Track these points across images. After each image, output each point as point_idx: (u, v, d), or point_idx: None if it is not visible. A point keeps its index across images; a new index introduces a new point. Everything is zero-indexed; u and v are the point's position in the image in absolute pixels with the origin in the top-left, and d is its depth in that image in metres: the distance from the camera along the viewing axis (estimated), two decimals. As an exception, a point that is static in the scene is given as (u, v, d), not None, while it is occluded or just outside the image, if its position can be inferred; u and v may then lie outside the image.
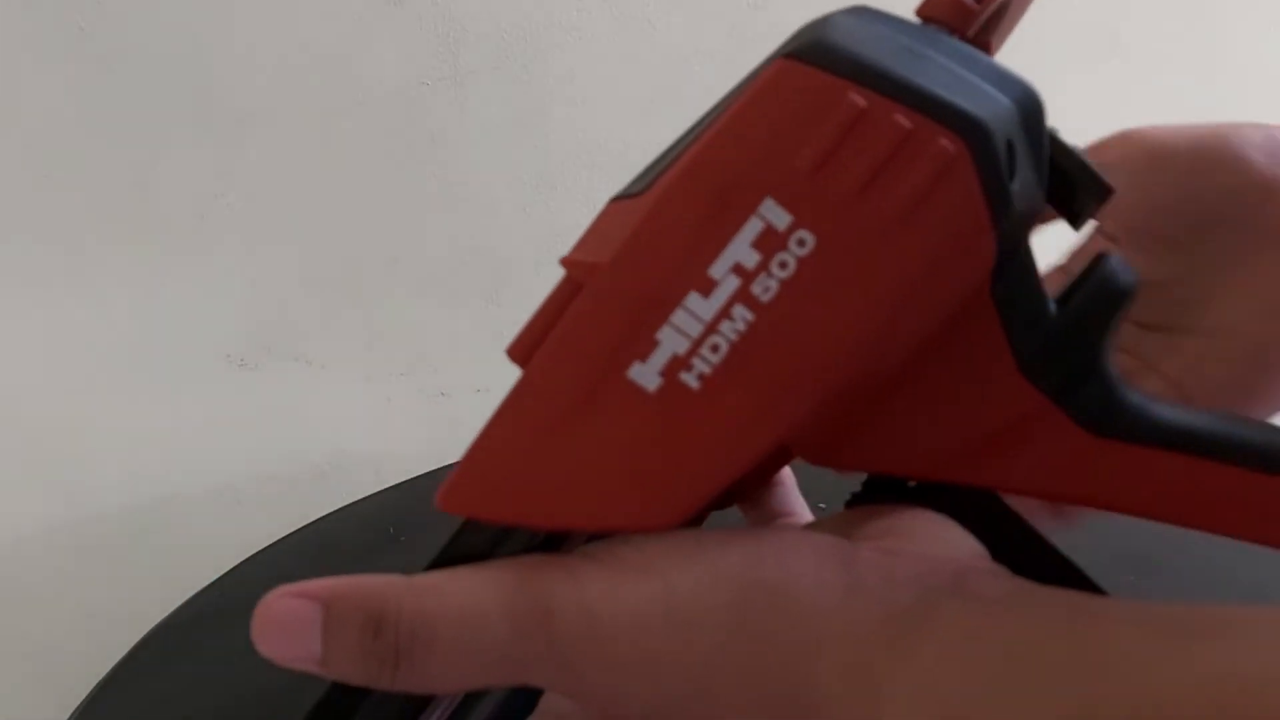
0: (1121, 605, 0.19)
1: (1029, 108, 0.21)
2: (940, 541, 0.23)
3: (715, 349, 0.21)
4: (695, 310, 0.21)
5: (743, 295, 0.21)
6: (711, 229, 0.21)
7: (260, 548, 0.66)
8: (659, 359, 0.21)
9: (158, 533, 0.80)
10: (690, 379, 0.21)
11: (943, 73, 0.21)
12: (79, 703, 0.54)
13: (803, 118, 0.20)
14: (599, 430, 0.21)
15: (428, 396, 0.84)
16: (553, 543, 0.23)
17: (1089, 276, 0.23)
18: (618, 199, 0.23)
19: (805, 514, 0.29)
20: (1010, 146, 0.21)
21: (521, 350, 0.23)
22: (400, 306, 0.81)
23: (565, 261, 0.23)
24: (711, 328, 0.21)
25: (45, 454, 0.76)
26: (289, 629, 0.21)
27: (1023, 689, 0.18)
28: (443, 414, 0.85)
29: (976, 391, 0.23)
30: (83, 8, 0.66)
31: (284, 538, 0.67)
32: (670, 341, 0.21)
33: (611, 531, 0.22)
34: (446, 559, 0.23)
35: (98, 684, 0.55)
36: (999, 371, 0.22)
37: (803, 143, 0.20)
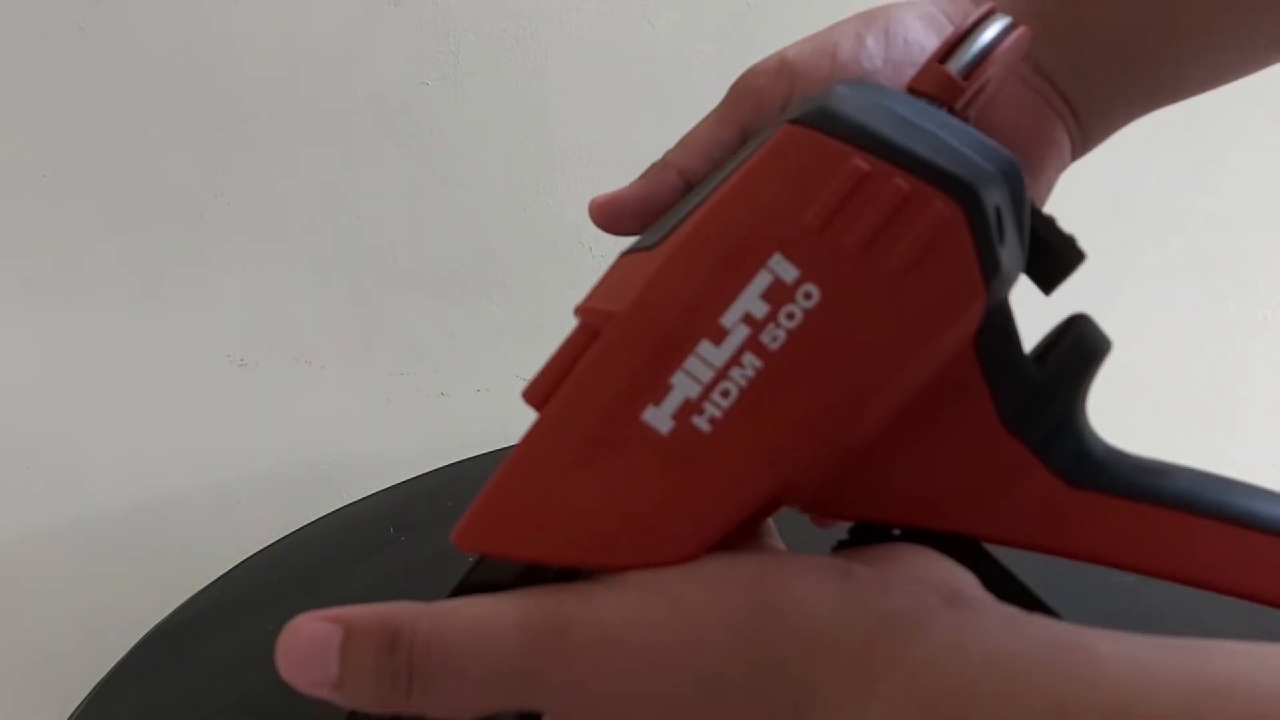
0: (1103, 631, 0.20)
1: (1012, 177, 0.23)
2: (932, 567, 0.24)
3: (726, 394, 0.22)
4: (707, 357, 0.22)
5: (752, 344, 0.22)
6: (723, 280, 0.22)
7: (260, 548, 0.66)
8: (672, 402, 0.23)
9: (157, 533, 0.80)
10: (701, 422, 0.22)
11: (936, 141, 0.22)
12: (78, 703, 0.54)
13: (810, 179, 0.22)
14: (613, 471, 0.23)
15: (428, 396, 0.84)
16: (566, 578, 0.24)
17: (1064, 338, 0.25)
18: (629, 253, 0.25)
19: None
20: (998, 212, 0.22)
21: (538, 394, 0.24)
22: (400, 306, 0.81)
23: (580, 309, 0.24)
24: (722, 374, 0.22)
25: (44, 454, 0.76)
26: (310, 650, 0.22)
27: (1002, 688, 0.19)
28: (443, 414, 0.85)
29: (961, 443, 0.24)
30: (82, 7, 0.66)
31: (284, 538, 0.67)
32: (683, 386, 0.23)
33: (622, 568, 0.23)
34: (462, 591, 0.25)
35: (97, 684, 0.55)
36: (982, 424, 0.24)
37: (810, 202, 0.22)
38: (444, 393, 0.85)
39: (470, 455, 0.75)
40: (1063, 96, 0.30)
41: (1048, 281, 0.25)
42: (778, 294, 0.22)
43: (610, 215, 0.32)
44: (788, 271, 0.22)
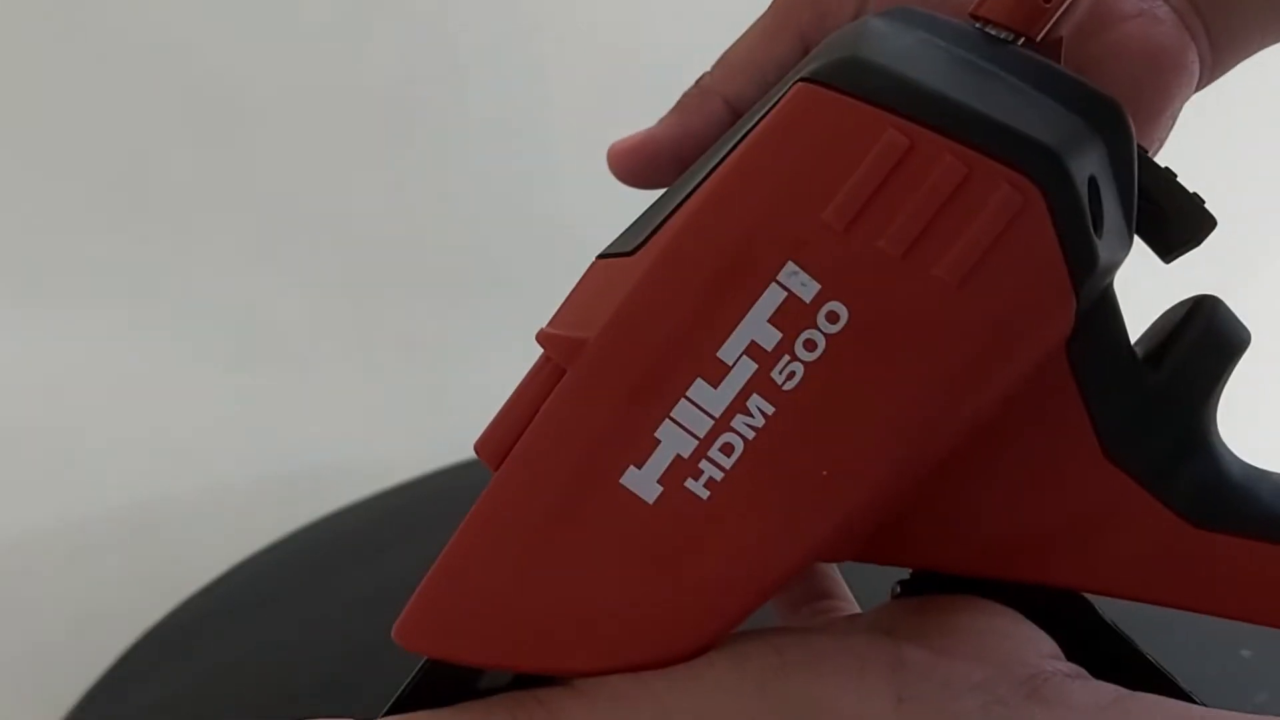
0: (1228, 715, 0.17)
1: (1115, 131, 0.18)
2: (1003, 637, 0.19)
3: (728, 450, 0.17)
4: (702, 403, 0.17)
5: (760, 383, 0.17)
6: (720, 301, 0.17)
7: (256, 550, 0.65)
8: (659, 463, 0.17)
9: (153, 535, 0.79)
10: (697, 487, 0.17)
11: (1006, 92, 0.17)
12: (71, 706, 0.54)
13: (831, 159, 0.16)
14: (585, 551, 0.18)
15: (427, 397, 0.83)
16: (536, 682, 0.19)
17: (1188, 327, 0.19)
18: (606, 256, 0.20)
19: (847, 598, 0.24)
20: (1094, 184, 0.17)
21: (491, 448, 0.19)
22: (398, 306, 0.80)
23: (541, 336, 0.19)
24: (723, 424, 0.17)
25: (39, 456, 0.75)
26: None
27: None
28: (441, 414, 0.84)
29: (1050, 477, 0.19)
30: (80, 7, 0.66)
31: (280, 540, 0.66)
32: (672, 441, 0.17)
33: (606, 674, 0.18)
34: (411, 699, 0.20)
35: (91, 687, 0.55)
36: (1078, 452, 0.18)
37: (831, 191, 0.16)
38: (443, 393, 0.84)
39: (470, 456, 0.75)
40: (1194, 6, 0.22)
41: (1166, 249, 0.20)
42: (792, 316, 0.17)
43: (638, 163, 0.23)
44: (805, 286, 0.17)
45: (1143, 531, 0.19)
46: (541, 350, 0.19)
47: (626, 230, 0.20)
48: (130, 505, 0.79)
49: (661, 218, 0.18)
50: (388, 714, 0.20)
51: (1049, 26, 0.18)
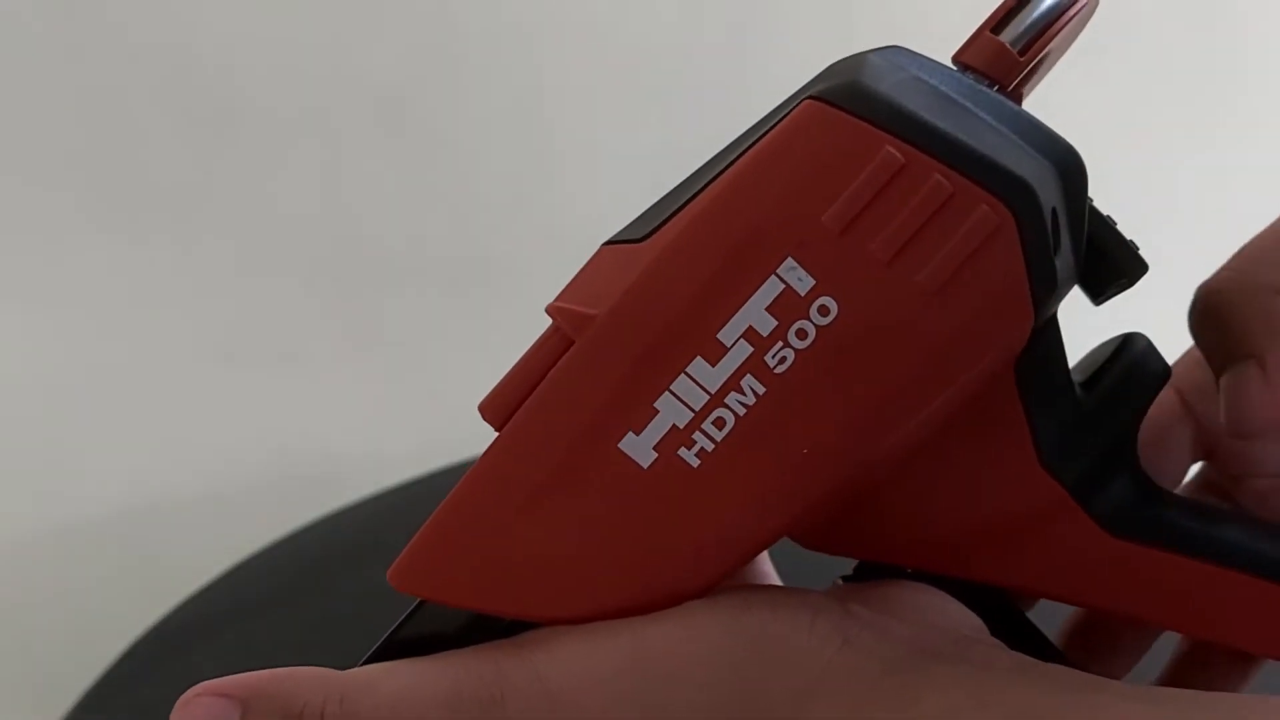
0: (1126, 685, 0.19)
1: (1072, 172, 0.20)
2: (937, 612, 0.22)
3: (720, 424, 0.19)
4: (700, 378, 0.19)
5: (754, 365, 0.19)
6: (724, 287, 0.19)
7: (255, 551, 0.65)
8: (656, 431, 0.19)
9: (149, 536, 0.79)
10: (689, 456, 0.19)
11: (984, 128, 0.19)
12: (69, 708, 0.54)
13: (833, 169, 0.19)
14: (581, 507, 0.20)
15: (426, 396, 0.83)
16: (520, 628, 0.21)
17: (1118, 359, 0.22)
18: (613, 243, 0.21)
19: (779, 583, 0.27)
20: (1055, 215, 0.19)
21: (497, 408, 0.20)
22: (397, 305, 0.80)
23: (552, 309, 0.21)
24: (718, 400, 0.19)
25: (34, 455, 0.75)
26: None
27: None
28: (439, 414, 0.84)
29: (989, 480, 0.21)
30: (72, 2, 0.66)
31: (276, 542, 0.66)
32: (670, 412, 0.19)
33: (586, 620, 0.20)
34: (393, 646, 0.21)
35: (88, 689, 0.55)
36: (1016, 459, 0.21)
37: (831, 198, 0.19)
38: (443, 393, 0.84)
39: (470, 456, 0.74)
40: None
41: (1098, 292, 0.22)
42: (788, 306, 0.19)
43: None
44: (801, 280, 0.19)
45: (1067, 537, 0.21)
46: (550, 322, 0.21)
47: (633, 222, 0.22)
48: (130, 505, 0.79)
49: (671, 210, 0.20)
50: (371, 659, 0.21)
51: (1019, 78, 0.21)
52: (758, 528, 0.20)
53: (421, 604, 0.21)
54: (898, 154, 0.18)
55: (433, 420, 0.85)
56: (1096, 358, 0.23)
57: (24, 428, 0.74)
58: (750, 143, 0.20)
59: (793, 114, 0.19)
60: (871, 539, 0.22)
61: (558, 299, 0.21)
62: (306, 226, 0.76)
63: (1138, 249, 0.21)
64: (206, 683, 0.19)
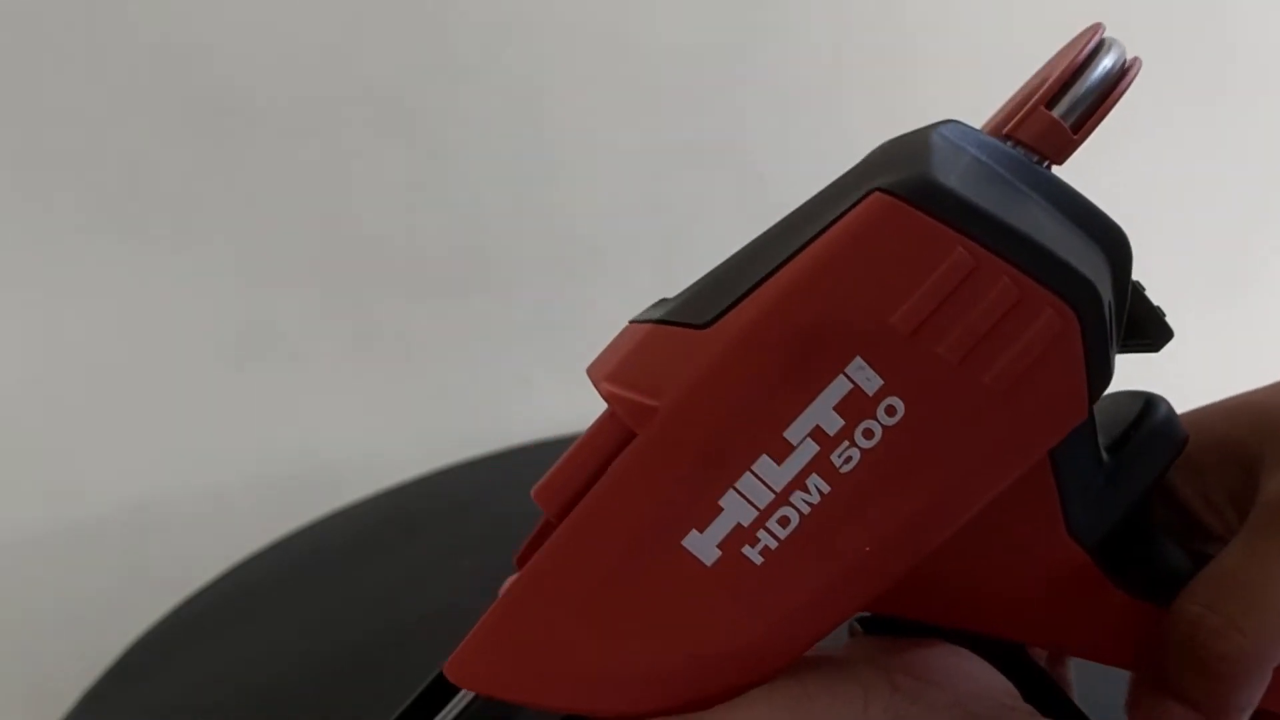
0: None
1: (1122, 258, 0.20)
2: (973, 679, 0.22)
3: (784, 522, 0.19)
4: (766, 477, 0.19)
5: (820, 464, 0.19)
6: (791, 385, 0.18)
7: (256, 550, 0.65)
8: (720, 529, 0.19)
9: (151, 535, 0.79)
10: (753, 553, 0.19)
11: (1045, 218, 0.19)
12: (71, 706, 0.54)
13: (904, 268, 0.18)
14: (642, 603, 0.19)
15: (424, 396, 0.83)
16: None
17: (1140, 425, 0.22)
18: (664, 323, 0.20)
19: None
20: (1110, 309, 0.19)
21: (553, 496, 0.20)
22: (397, 305, 0.80)
23: (610, 396, 0.20)
24: (783, 498, 0.19)
25: (37, 455, 0.75)
26: None
27: None
28: (439, 414, 0.84)
29: (1016, 546, 0.21)
30: (73, 3, 0.66)
31: (277, 542, 0.66)
32: (735, 510, 0.19)
33: (649, 717, 0.20)
34: None
35: (90, 687, 0.55)
36: (1044, 528, 0.21)
37: (901, 298, 0.18)
38: (443, 393, 0.84)
39: (470, 455, 0.74)
40: None
41: (1121, 351, 0.22)
42: (855, 406, 0.18)
43: None
44: (869, 380, 0.18)
45: (1087, 598, 0.21)
46: (603, 404, 0.20)
47: (686, 299, 0.21)
48: (130, 505, 0.79)
49: (735, 295, 0.20)
50: None
51: (1070, 156, 0.20)
52: (818, 621, 0.20)
53: (471, 704, 0.21)
54: (969, 256, 0.18)
55: (433, 421, 0.86)
56: (1117, 416, 0.23)
57: (26, 428, 0.74)
58: (816, 230, 0.19)
59: (862, 208, 0.19)
60: (908, 601, 0.22)
61: (610, 380, 0.20)
62: (307, 228, 0.76)
63: (1164, 315, 0.21)
64: None
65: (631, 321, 0.23)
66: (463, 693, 0.22)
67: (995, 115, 0.23)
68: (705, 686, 0.20)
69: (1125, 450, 0.21)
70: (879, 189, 0.18)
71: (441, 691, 0.22)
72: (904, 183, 0.18)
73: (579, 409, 0.85)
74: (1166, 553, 0.22)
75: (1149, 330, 0.21)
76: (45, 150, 0.68)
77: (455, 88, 0.75)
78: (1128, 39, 0.22)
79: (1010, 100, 0.23)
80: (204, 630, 0.58)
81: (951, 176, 0.18)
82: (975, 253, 0.18)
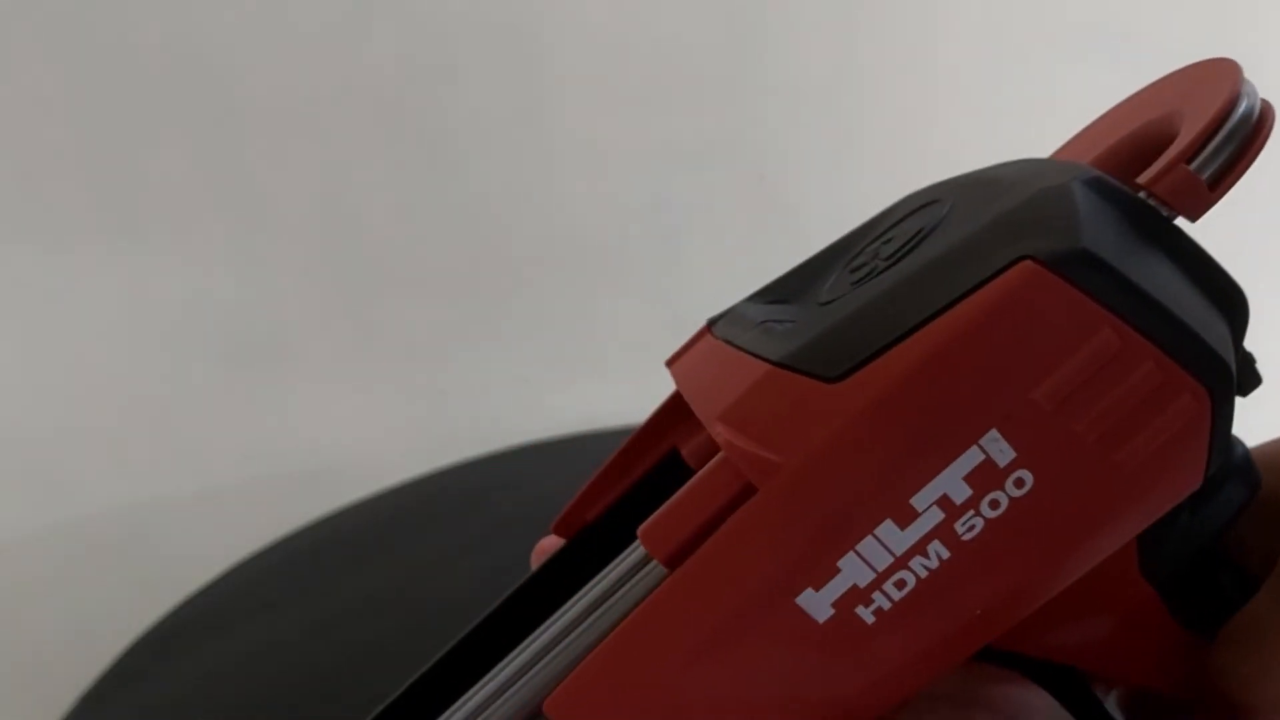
0: None
1: (1241, 322, 0.20)
2: (1042, 714, 0.23)
3: (900, 585, 0.19)
4: (887, 541, 0.19)
5: (943, 531, 0.19)
6: (924, 454, 0.18)
7: (255, 550, 0.65)
8: (836, 589, 0.19)
9: (148, 536, 0.79)
10: (865, 614, 0.19)
11: (1180, 286, 0.19)
12: (69, 707, 0.54)
13: (1052, 345, 0.18)
14: (751, 656, 0.20)
15: (425, 397, 0.83)
16: None
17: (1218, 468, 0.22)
18: (788, 369, 0.20)
19: None
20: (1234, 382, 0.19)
21: (663, 541, 0.20)
22: (398, 306, 0.80)
23: (728, 445, 0.20)
24: (901, 563, 0.19)
25: (35, 455, 0.75)
26: None
27: None
28: (440, 414, 0.84)
29: (1092, 585, 0.21)
30: (73, 3, 0.66)
31: (276, 542, 0.66)
32: (852, 571, 0.19)
33: None
34: None
35: (88, 689, 0.55)
36: (1119, 567, 0.21)
37: (1046, 374, 0.18)
38: (444, 393, 0.84)
39: (468, 457, 0.75)
40: None
41: None
42: (985, 477, 0.18)
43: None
44: (1003, 453, 0.18)
45: (1154, 634, 0.22)
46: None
47: (809, 337, 0.20)
48: (129, 505, 0.79)
49: (868, 350, 0.19)
50: None
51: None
52: (917, 677, 0.20)
53: None
54: (1117, 336, 0.18)
55: (433, 421, 0.86)
56: None
57: (26, 427, 0.74)
58: (958, 291, 0.19)
59: (1013, 275, 0.18)
60: None
61: (722, 422, 0.20)
62: (309, 229, 0.76)
63: (1255, 360, 0.21)
64: None
65: (715, 334, 0.23)
66: None
67: (1085, 146, 0.23)
68: None
69: (1202, 493, 0.21)
70: (1030, 258, 0.18)
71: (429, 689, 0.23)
72: (1057, 254, 0.18)
73: (579, 409, 0.86)
74: (1223, 587, 0.23)
75: (1241, 379, 0.21)
76: (44, 149, 0.68)
77: (456, 87, 0.75)
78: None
79: (1100, 134, 0.23)
80: (204, 630, 0.58)
81: (1102, 244, 0.18)
82: (1123, 333, 0.18)
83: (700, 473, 0.20)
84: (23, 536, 0.77)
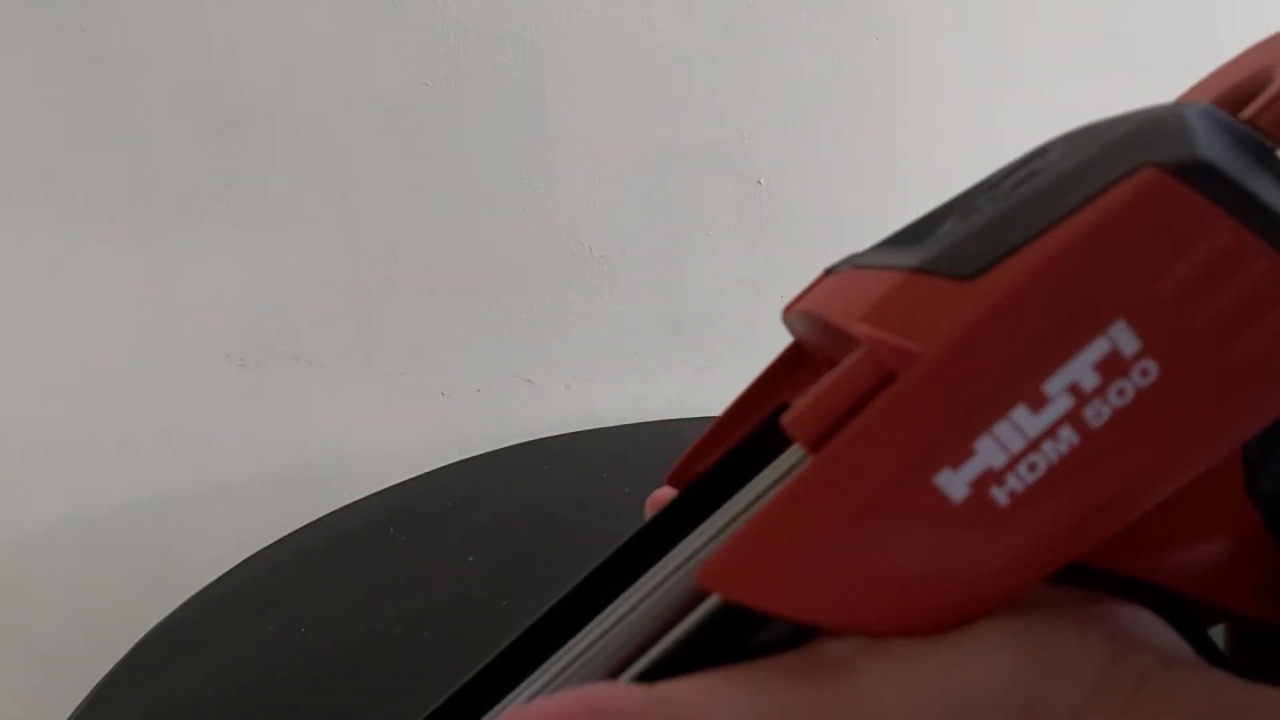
0: None
1: None
2: (1155, 633, 0.23)
3: (1033, 468, 0.20)
4: (1021, 425, 0.20)
5: (1073, 417, 0.20)
6: (1055, 342, 0.20)
7: (260, 548, 0.66)
8: (972, 470, 0.20)
9: (157, 533, 0.80)
10: (999, 494, 0.20)
11: None
12: (79, 703, 0.54)
13: (1173, 243, 0.19)
14: (891, 532, 0.21)
15: (427, 396, 0.84)
16: (803, 637, 0.22)
17: None
18: (924, 272, 0.22)
19: None
20: None
21: (811, 429, 0.21)
22: (400, 306, 0.81)
23: (870, 338, 0.21)
24: (1034, 446, 0.20)
25: (45, 454, 0.76)
26: None
27: None
28: (442, 414, 0.85)
29: (1199, 504, 0.22)
30: (84, 7, 0.66)
31: (283, 538, 0.67)
32: (988, 453, 0.20)
33: (884, 635, 0.21)
34: (689, 647, 0.23)
35: (98, 684, 0.55)
36: (1227, 488, 0.22)
37: (1168, 270, 0.19)
38: (444, 393, 0.84)
39: (470, 455, 0.75)
40: None
41: None
42: (1113, 366, 0.20)
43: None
44: (1129, 343, 0.20)
45: (1253, 556, 0.23)
46: (859, 345, 0.21)
47: (938, 249, 0.22)
48: (131, 504, 0.79)
49: (999, 251, 0.21)
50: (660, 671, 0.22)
51: None
52: (1042, 565, 0.21)
53: (721, 610, 0.22)
54: (1233, 237, 0.19)
55: (433, 420, 0.86)
56: None
57: (38, 425, 0.75)
58: (1082, 196, 0.20)
59: (1136, 180, 0.20)
60: (1095, 550, 0.23)
61: (864, 320, 0.22)
62: (316, 233, 0.76)
63: None
64: (517, 709, 0.18)
65: (850, 267, 0.24)
66: (711, 599, 0.23)
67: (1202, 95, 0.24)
68: (936, 614, 0.21)
69: None
70: (1151, 163, 0.19)
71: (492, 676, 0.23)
72: (1178, 159, 0.19)
73: (579, 409, 0.86)
74: None
75: None
76: (57, 152, 0.69)
77: (460, 94, 0.76)
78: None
79: (1212, 84, 0.24)
80: (210, 626, 0.58)
81: (1217, 157, 0.19)
82: (1239, 232, 0.19)
83: (842, 365, 0.21)
84: (34, 533, 0.77)
